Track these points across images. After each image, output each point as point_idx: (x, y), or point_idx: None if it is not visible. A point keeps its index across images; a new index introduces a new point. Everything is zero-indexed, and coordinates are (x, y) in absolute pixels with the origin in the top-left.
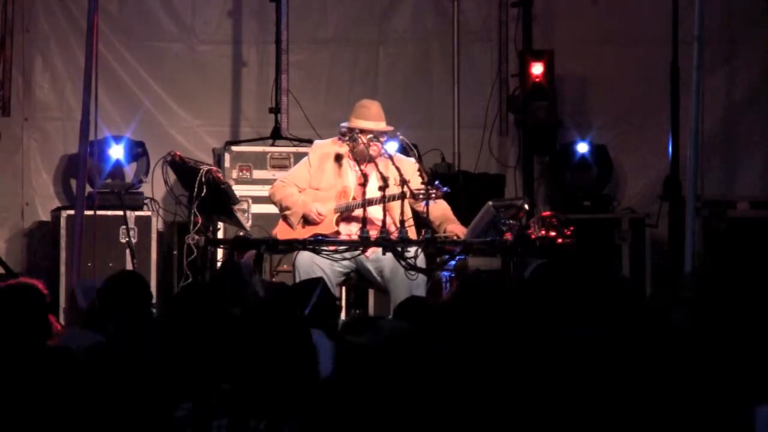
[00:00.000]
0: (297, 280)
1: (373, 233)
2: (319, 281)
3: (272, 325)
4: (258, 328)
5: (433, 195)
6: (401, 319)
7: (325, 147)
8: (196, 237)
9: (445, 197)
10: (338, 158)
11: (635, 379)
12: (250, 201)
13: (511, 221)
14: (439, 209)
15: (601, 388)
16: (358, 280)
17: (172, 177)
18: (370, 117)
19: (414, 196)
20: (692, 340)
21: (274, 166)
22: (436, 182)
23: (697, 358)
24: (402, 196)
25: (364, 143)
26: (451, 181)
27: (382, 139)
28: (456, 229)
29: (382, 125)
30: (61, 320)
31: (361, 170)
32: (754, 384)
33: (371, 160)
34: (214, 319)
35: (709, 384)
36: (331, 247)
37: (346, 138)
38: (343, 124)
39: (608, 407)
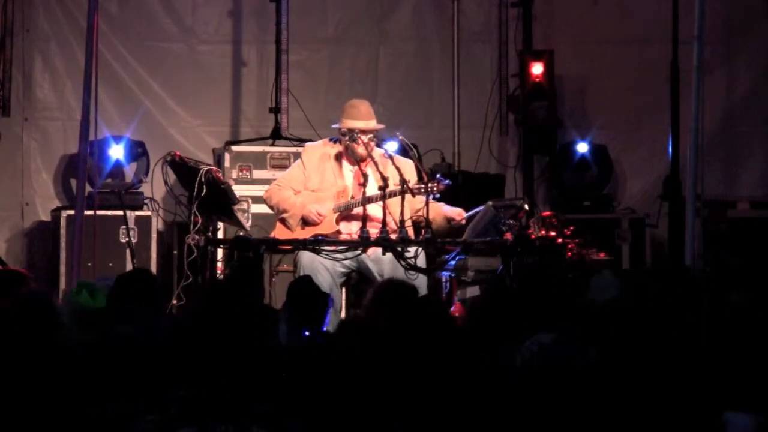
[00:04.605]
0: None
1: (374, 232)
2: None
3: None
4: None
5: (435, 189)
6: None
7: (319, 148)
8: (196, 237)
9: (448, 192)
10: (336, 158)
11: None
12: (250, 201)
13: (511, 221)
14: (434, 211)
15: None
16: (359, 280)
17: (172, 177)
18: (360, 116)
19: (413, 193)
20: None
21: (274, 166)
22: (438, 175)
23: (667, 365)
24: (402, 193)
25: (364, 143)
26: (451, 181)
27: (376, 135)
28: (450, 212)
29: (372, 123)
30: None
31: (361, 170)
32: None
33: (363, 159)
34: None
35: (680, 390)
36: (331, 247)
37: (347, 138)
38: (335, 125)
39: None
